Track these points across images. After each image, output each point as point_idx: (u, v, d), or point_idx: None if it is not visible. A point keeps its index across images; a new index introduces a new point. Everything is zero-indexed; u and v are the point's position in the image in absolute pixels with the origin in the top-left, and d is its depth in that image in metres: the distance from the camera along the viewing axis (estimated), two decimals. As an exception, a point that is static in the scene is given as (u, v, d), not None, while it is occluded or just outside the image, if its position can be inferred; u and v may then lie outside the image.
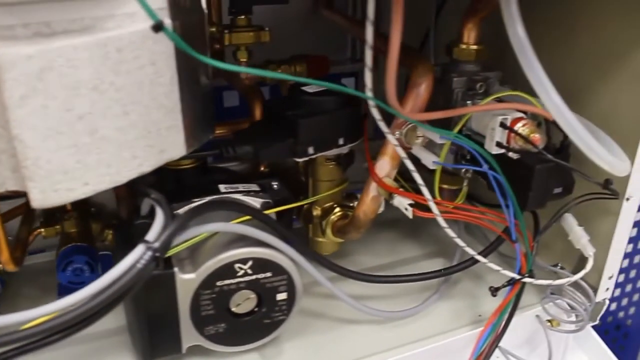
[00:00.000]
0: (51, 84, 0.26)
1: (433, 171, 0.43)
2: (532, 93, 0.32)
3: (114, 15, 0.28)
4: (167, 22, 0.30)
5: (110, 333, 0.42)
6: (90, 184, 0.29)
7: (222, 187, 0.41)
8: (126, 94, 0.29)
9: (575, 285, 0.46)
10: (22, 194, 0.28)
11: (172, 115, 0.32)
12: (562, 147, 0.41)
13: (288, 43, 0.53)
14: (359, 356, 0.42)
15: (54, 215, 0.47)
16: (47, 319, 0.27)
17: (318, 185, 0.47)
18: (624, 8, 0.40)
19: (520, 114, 0.38)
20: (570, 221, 0.44)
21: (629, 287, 0.84)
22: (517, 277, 0.41)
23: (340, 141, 0.43)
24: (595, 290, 0.46)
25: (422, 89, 0.40)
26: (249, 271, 0.36)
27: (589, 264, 0.43)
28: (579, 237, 0.44)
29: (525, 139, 0.37)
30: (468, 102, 0.41)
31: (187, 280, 0.35)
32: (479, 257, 0.41)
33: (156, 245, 0.29)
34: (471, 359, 0.41)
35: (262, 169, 0.50)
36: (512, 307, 0.42)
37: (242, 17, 0.47)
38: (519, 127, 0.37)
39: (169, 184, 0.42)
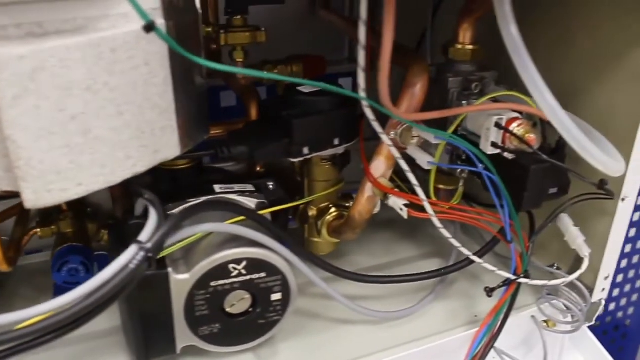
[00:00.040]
0: (44, 84, 0.26)
1: (429, 171, 0.43)
2: (528, 93, 0.32)
3: (108, 16, 0.28)
4: (161, 22, 0.30)
5: (105, 333, 0.42)
6: (83, 185, 0.29)
7: (217, 188, 0.41)
8: (120, 94, 0.29)
9: (571, 285, 0.46)
10: (16, 195, 0.28)
11: (166, 116, 0.32)
12: (557, 147, 0.41)
13: (285, 43, 0.53)
14: (354, 356, 0.42)
15: (50, 215, 0.47)
16: (40, 319, 0.27)
17: (314, 186, 0.47)
18: (620, 9, 0.40)
19: (516, 114, 0.38)
20: (566, 221, 0.44)
21: (627, 287, 0.84)
22: (513, 277, 0.41)
23: (336, 141, 0.42)
24: (591, 290, 0.46)
25: (418, 89, 0.40)
26: (243, 271, 0.36)
27: (585, 265, 0.43)
28: (575, 237, 0.44)
29: (521, 139, 0.37)
30: (463, 102, 0.41)
31: (181, 281, 0.35)
32: (474, 258, 0.41)
33: (149, 245, 0.29)
34: (466, 359, 0.41)
35: (258, 169, 0.50)
36: (508, 307, 0.42)
37: (238, 17, 0.47)
38: (514, 127, 0.37)
39: (164, 184, 0.42)
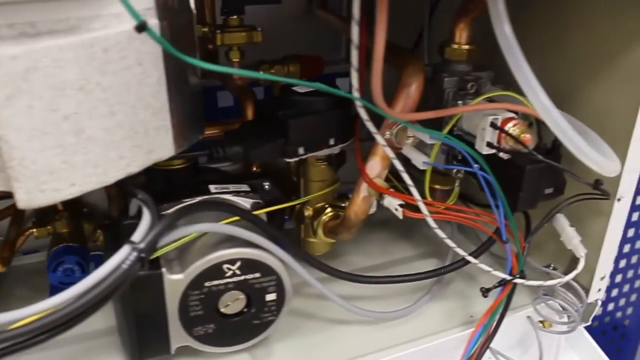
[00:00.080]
0: (36, 84, 0.26)
1: (425, 171, 0.43)
2: (524, 93, 0.32)
3: (101, 16, 0.28)
4: (154, 22, 0.30)
5: (100, 333, 0.42)
6: (76, 185, 0.29)
7: (212, 188, 0.41)
8: (113, 94, 0.29)
9: (567, 286, 0.46)
10: (10, 195, 0.28)
11: (160, 116, 0.32)
12: (553, 147, 0.41)
13: (282, 43, 0.53)
14: (349, 357, 0.42)
15: (45, 215, 0.47)
16: (32, 320, 0.27)
17: (309, 186, 0.47)
18: (616, 7, 0.40)
19: (511, 114, 0.38)
20: (562, 222, 0.44)
21: (626, 288, 0.84)
22: (508, 277, 0.41)
23: (331, 141, 0.42)
24: (587, 291, 0.46)
25: (413, 89, 0.40)
26: (238, 272, 0.36)
27: (581, 265, 0.43)
28: (571, 237, 0.44)
29: (516, 139, 0.37)
30: (459, 102, 0.41)
31: (175, 281, 0.35)
32: (469, 258, 0.41)
33: (141, 245, 0.29)
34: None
35: (254, 169, 0.50)
36: (504, 308, 0.42)
37: (235, 17, 0.47)
38: (509, 127, 0.37)
39: (159, 184, 0.42)
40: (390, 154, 0.38)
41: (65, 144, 0.28)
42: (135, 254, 0.29)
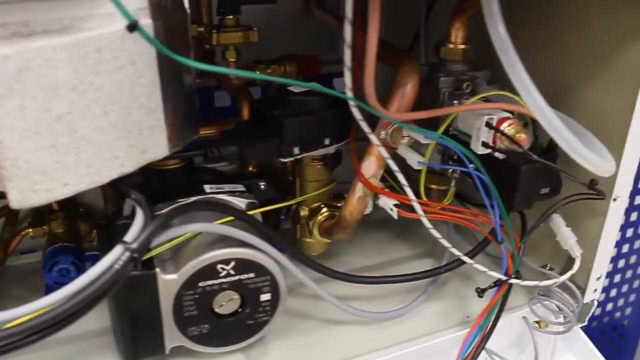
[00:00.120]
0: (29, 84, 0.26)
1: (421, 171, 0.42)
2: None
3: (94, 15, 0.28)
4: (147, 22, 0.30)
5: (95, 334, 0.42)
6: (70, 185, 0.29)
7: (207, 188, 0.41)
8: (106, 94, 0.29)
9: (563, 286, 0.46)
10: (3, 195, 0.28)
11: (154, 115, 0.32)
12: (549, 147, 0.41)
13: (279, 43, 0.53)
14: (345, 357, 0.42)
15: (41, 215, 0.47)
16: (24, 320, 0.27)
17: (305, 186, 0.47)
18: (610, 7, 0.40)
19: (507, 114, 0.38)
20: (558, 222, 0.44)
21: (625, 288, 0.84)
22: (504, 278, 0.41)
23: (326, 141, 0.42)
24: (583, 291, 0.46)
25: (408, 89, 0.40)
26: (232, 272, 0.36)
27: (576, 265, 0.43)
28: (567, 237, 0.43)
29: (511, 139, 0.37)
30: (455, 101, 0.41)
31: (169, 281, 0.35)
32: (465, 258, 0.41)
33: (134, 245, 0.29)
34: (457, 360, 0.41)
35: (250, 169, 0.50)
36: (499, 308, 0.42)
37: (231, 17, 0.47)
38: (504, 127, 0.37)
39: (154, 184, 0.42)
40: (385, 153, 0.37)
41: (58, 144, 0.28)
42: (127, 254, 0.28)
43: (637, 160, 0.41)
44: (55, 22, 0.27)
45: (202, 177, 0.44)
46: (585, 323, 0.49)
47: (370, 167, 0.41)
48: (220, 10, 0.47)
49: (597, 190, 0.40)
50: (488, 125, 0.37)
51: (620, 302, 0.85)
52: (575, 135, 0.32)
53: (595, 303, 0.47)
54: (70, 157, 0.28)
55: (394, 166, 0.38)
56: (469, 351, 0.41)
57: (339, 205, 0.46)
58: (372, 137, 0.36)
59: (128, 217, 0.35)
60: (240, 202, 0.41)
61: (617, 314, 0.86)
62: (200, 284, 0.36)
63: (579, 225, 0.44)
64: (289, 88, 0.43)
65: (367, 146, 0.41)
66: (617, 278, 0.82)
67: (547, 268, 0.48)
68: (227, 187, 0.41)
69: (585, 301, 0.46)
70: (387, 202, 0.40)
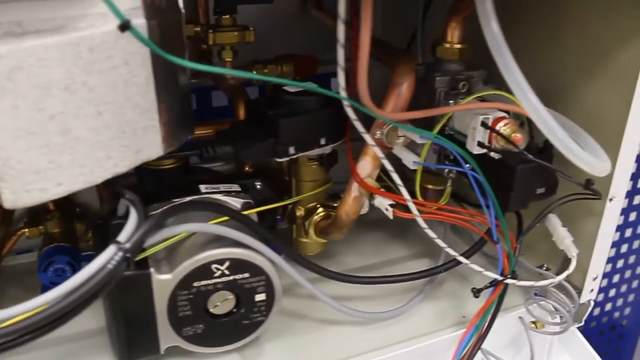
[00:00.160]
0: (21, 83, 0.26)
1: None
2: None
3: (87, 15, 0.28)
4: (141, 22, 0.30)
5: (90, 334, 0.42)
6: (63, 184, 0.29)
7: (202, 188, 0.41)
8: (99, 93, 0.29)
9: (560, 286, 0.45)
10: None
11: (148, 115, 0.32)
12: (545, 147, 0.41)
13: (277, 43, 0.53)
14: (341, 357, 0.41)
15: (37, 215, 0.47)
16: (18, 320, 0.27)
17: (301, 186, 0.46)
18: (608, 6, 0.40)
19: (503, 114, 0.38)
20: (554, 222, 0.44)
21: (624, 288, 0.84)
22: (500, 278, 0.41)
23: (322, 141, 0.42)
24: (579, 291, 0.46)
25: (404, 89, 0.40)
26: (226, 272, 0.36)
27: (572, 265, 0.43)
28: (563, 237, 0.43)
29: (507, 139, 0.37)
30: (451, 101, 0.41)
31: (163, 281, 0.35)
32: (460, 259, 0.41)
33: (127, 245, 0.29)
34: (453, 360, 0.41)
35: (247, 169, 0.50)
36: (495, 308, 0.42)
37: (227, 16, 0.47)
38: (500, 126, 0.37)
39: (150, 184, 0.42)
40: (379, 153, 0.37)
41: (51, 144, 0.28)
42: (120, 254, 0.28)
43: (634, 160, 0.41)
44: (48, 21, 0.27)
45: (197, 177, 0.44)
46: (582, 323, 0.49)
47: (365, 167, 0.41)
48: (216, 10, 0.47)
49: (593, 190, 0.40)
50: (484, 125, 0.37)
51: (619, 302, 0.85)
52: (570, 135, 0.32)
53: (592, 303, 0.47)
54: (63, 157, 0.28)
55: (388, 166, 0.38)
56: (465, 351, 0.41)
57: (335, 205, 0.46)
58: (367, 137, 0.36)
59: (122, 217, 0.35)
60: (236, 202, 0.40)
61: (616, 314, 0.86)
62: (195, 284, 0.35)
63: (575, 226, 0.44)
64: (285, 88, 0.43)
65: (363, 146, 0.41)
66: (616, 278, 0.82)
67: (544, 268, 0.48)
68: (223, 187, 0.41)
69: (581, 301, 0.46)
70: (383, 202, 0.40)
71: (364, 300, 0.47)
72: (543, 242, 0.47)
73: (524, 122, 0.40)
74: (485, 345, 0.42)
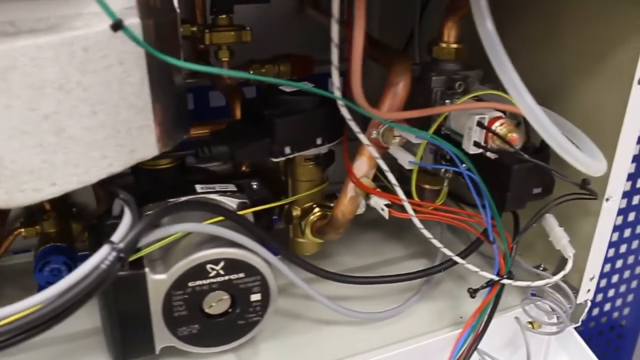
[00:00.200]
0: (15, 83, 0.26)
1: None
2: (509, 92, 0.32)
3: (81, 14, 0.28)
4: (135, 21, 0.30)
5: (85, 334, 0.42)
6: (58, 184, 0.29)
7: (198, 188, 0.41)
8: (94, 93, 0.29)
9: (556, 286, 0.45)
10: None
11: (143, 115, 0.32)
12: (541, 146, 0.41)
13: (274, 42, 0.53)
14: (337, 357, 0.41)
15: (34, 215, 0.47)
16: (11, 319, 0.27)
17: (297, 185, 0.46)
18: (606, 5, 0.40)
19: (499, 114, 0.38)
20: (551, 222, 0.44)
21: (623, 288, 0.84)
22: (496, 278, 0.41)
23: (318, 141, 0.42)
24: (576, 291, 0.46)
25: (400, 88, 0.40)
26: (222, 272, 0.36)
27: (569, 265, 0.43)
28: (559, 238, 0.43)
29: (503, 138, 0.37)
30: (447, 101, 0.41)
31: (158, 281, 0.35)
32: (457, 259, 0.41)
33: (121, 245, 0.29)
34: (449, 360, 0.41)
35: (243, 168, 0.50)
36: (492, 308, 0.42)
37: (224, 16, 0.47)
38: (496, 126, 0.37)
39: (146, 184, 0.42)
40: (375, 153, 0.37)
41: (45, 144, 0.28)
42: (114, 253, 0.28)
43: (630, 160, 0.41)
44: (42, 21, 0.27)
45: (193, 177, 0.44)
46: (579, 324, 0.48)
47: (361, 167, 0.41)
48: (213, 10, 0.47)
49: (589, 190, 0.40)
50: (479, 124, 0.37)
51: (618, 302, 0.85)
52: (566, 135, 0.32)
53: (589, 304, 0.47)
54: (57, 157, 0.28)
55: (384, 166, 0.38)
56: (461, 352, 0.41)
57: (331, 205, 0.46)
58: (362, 137, 0.36)
59: (117, 217, 0.35)
60: (232, 202, 0.40)
61: (615, 314, 0.86)
62: (190, 284, 0.35)
63: (571, 226, 0.44)
64: (281, 87, 0.43)
65: (359, 146, 0.41)
66: (615, 278, 0.82)
67: (540, 268, 0.48)
68: (219, 187, 0.41)
69: (578, 302, 0.46)
70: (379, 202, 0.40)
71: (360, 301, 0.47)
72: (540, 242, 0.47)
73: (521, 122, 0.40)
74: (481, 345, 0.42)
